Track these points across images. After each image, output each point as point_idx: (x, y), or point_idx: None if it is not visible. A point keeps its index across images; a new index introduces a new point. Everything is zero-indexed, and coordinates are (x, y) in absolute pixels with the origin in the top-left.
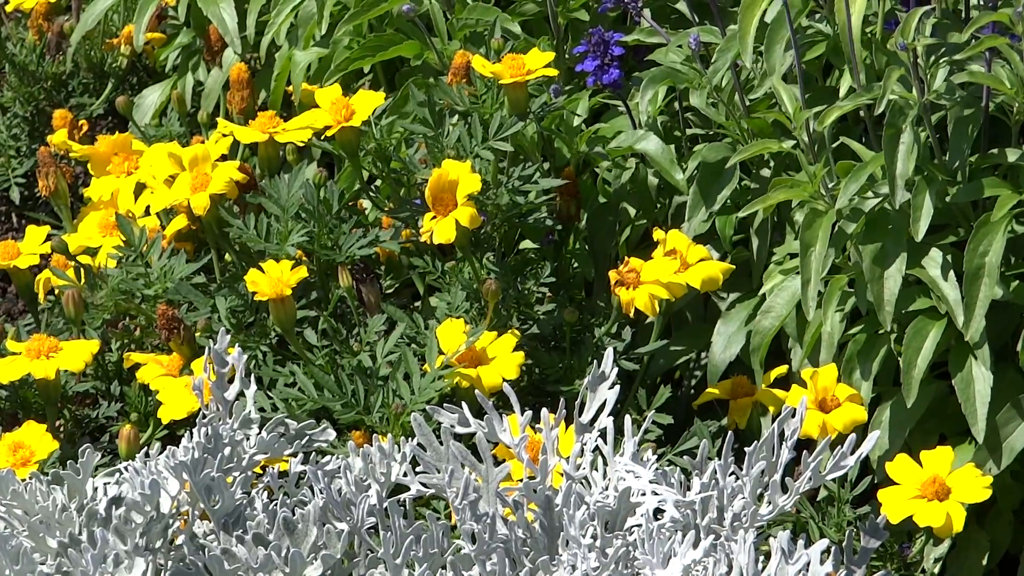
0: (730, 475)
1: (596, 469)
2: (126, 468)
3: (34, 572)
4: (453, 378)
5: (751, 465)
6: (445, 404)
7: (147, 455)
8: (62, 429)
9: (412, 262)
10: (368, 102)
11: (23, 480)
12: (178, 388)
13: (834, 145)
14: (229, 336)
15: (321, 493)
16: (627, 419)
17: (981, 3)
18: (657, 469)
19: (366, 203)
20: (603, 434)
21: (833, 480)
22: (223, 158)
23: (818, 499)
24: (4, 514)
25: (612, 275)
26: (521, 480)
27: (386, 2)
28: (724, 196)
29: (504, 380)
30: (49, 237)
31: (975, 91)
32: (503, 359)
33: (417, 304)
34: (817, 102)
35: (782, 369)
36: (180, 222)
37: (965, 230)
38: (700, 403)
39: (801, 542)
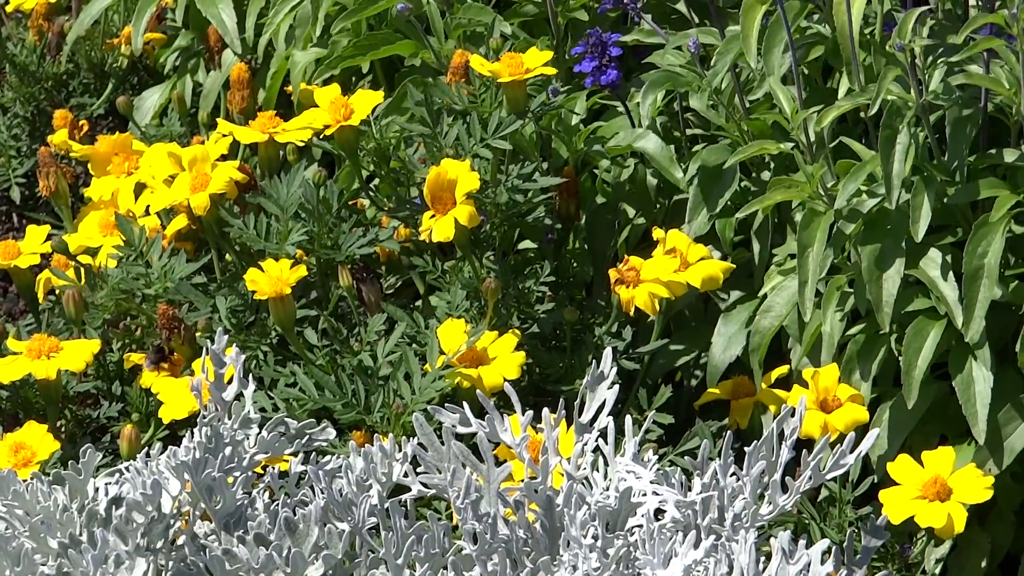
0: (731, 475)
1: (597, 469)
2: (127, 468)
3: (35, 573)
4: (454, 378)
5: (751, 465)
6: (446, 404)
7: (148, 455)
8: (63, 429)
9: (412, 261)
10: (367, 101)
11: (24, 480)
12: (179, 388)
13: (832, 145)
14: (230, 336)
15: (322, 493)
16: (628, 419)
17: (980, 4)
18: (658, 469)
19: (366, 202)
20: (604, 434)
21: (834, 481)
22: (224, 158)
23: (819, 500)
24: (5, 514)
25: (612, 273)
26: (522, 480)
27: (383, 0)
28: (724, 198)
29: (505, 380)
30: (49, 237)
31: (974, 92)
32: (504, 359)
33: (418, 303)
34: (816, 104)
35: (783, 369)
36: (180, 222)
37: (964, 231)
38: (701, 403)
39: (802, 542)
